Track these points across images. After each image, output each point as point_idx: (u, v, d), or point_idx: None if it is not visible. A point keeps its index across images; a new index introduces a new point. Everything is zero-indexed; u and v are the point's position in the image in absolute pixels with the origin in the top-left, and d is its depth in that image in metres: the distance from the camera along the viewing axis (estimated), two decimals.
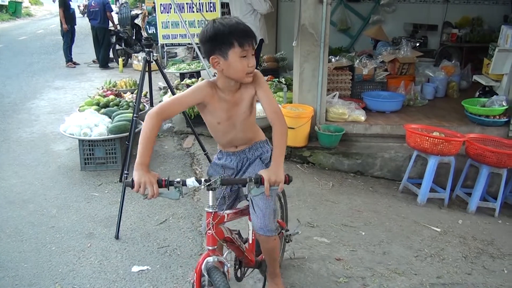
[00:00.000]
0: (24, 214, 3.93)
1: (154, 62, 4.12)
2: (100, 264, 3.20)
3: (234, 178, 2.05)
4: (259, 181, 1.92)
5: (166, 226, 3.72)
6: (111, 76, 10.22)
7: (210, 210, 2.01)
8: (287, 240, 2.89)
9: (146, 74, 4.11)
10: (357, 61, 6.25)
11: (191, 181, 1.88)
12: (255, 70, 2.14)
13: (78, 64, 11.92)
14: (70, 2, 11.75)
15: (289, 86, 6.65)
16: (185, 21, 8.81)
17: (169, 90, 6.39)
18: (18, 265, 3.19)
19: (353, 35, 9.01)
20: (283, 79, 7.12)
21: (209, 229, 2.01)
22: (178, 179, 1.87)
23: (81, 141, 4.81)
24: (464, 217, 4.40)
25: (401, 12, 8.78)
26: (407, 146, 4.89)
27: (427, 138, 4.48)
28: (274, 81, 6.64)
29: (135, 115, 3.88)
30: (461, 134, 4.69)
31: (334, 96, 5.67)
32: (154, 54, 4.03)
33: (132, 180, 1.82)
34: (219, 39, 1.96)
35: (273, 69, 8.10)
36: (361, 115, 5.47)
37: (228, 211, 2.25)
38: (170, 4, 9.62)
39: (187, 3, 9.38)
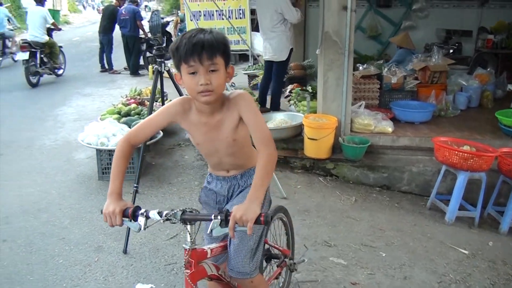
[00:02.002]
0: (37, 224, 3.90)
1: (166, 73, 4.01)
2: (105, 280, 3.11)
3: (197, 214, 1.73)
4: (227, 219, 1.65)
5: (176, 241, 3.60)
6: (141, 83, 10.26)
7: (186, 247, 1.78)
8: (291, 270, 2.66)
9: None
10: (386, 69, 6.01)
11: (153, 214, 1.70)
12: (240, 91, 1.96)
13: (118, 72, 12.06)
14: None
15: (316, 94, 6.48)
16: (215, 28, 8.76)
17: None
18: (24, 278, 3.14)
19: (383, 42, 8.75)
20: (309, 87, 6.96)
21: (186, 269, 1.80)
22: (143, 211, 1.71)
23: (99, 151, 4.78)
24: (495, 239, 4.08)
25: (434, 17, 8.50)
26: (435, 160, 4.63)
27: (456, 152, 4.21)
28: (298, 90, 6.48)
29: None
30: (493, 149, 4.37)
31: (360, 106, 5.45)
32: (167, 65, 3.93)
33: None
34: (174, 53, 1.80)
35: (300, 77, 7.94)
36: (388, 126, 5.23)
37: (212, 245, 2.02)
38: (199, 11, 9.65)
39: (216, 11, 9.36)
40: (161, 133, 5.29)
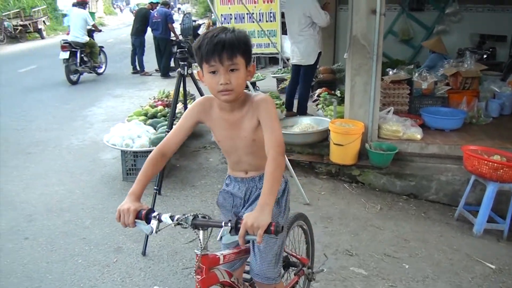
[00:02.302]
0: (59, 223, 3.94)
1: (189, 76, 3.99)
2: (122, 282, 3.11)
3: (209, 220, 1.68)
4: (237, 227, 1.60)
5: (195, 245, 3.56)
6: (170, 85, 10.28)
7: (198, 252, 1.74)
8: (309, 279, 2.60)
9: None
10: (416, 74, 5.86)
11: (165, 217, 1.68)
12: (263, 95, 1.94)
13: (149, 74, 12.24)
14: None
15: (344, 99, 6.38)
16: (245, 31, 8.75)
17: None
18: (43, 276, 3.17)
19: (415, 46, 8.55)
20: (338, 91, 6.87)
21: (197, 274, 1.75)
22: (156, 214, 1.68)
23: (123, 152, 4.81)
24: None
25: (467, 21, 8.25)
26: (465, 169, 4.47)
27: (486, 162, 4.05)
28: (325, 95, 6.39)
29: (167, 129, 3.76)
30: None
31: (389, 111, 5.31)
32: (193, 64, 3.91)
33: None
34: (196, 52, 1.81)
35: (329, 81, 7.85)
36: (417, 133, 5.08)
37: (226, 251, 1.97)
38: (230, 14, 9.65)
39: (247, 14, 9.34)
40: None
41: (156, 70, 12.37)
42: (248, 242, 1.89)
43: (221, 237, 1.63)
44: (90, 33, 11.38)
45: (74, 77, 10.64)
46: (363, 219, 4.18)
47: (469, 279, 3.32)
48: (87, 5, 11.89)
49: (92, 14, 28.57)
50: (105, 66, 12.31)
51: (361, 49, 4.84)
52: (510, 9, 8.10)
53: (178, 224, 1.66)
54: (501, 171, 3.97)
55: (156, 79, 11.63)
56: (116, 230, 3.81)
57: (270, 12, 9.34)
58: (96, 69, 11.65)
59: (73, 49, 10.38)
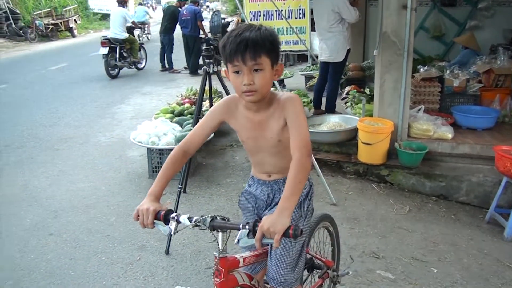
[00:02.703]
0: (84, 219, 3.97)
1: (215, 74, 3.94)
2: (145, 280, 3.09)
3: (226, 221, 1.64)
4: (254, 230, 1.56)
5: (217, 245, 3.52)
6: (198, 83, 10.25)
7: (216, 254, 1.71)
8: (334, 282, 2.52)
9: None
10: (448, 71, 5.68)
11: (183, 219, 1.65)
12: (290, 94, 1.88)
13: (178, 72, 12.32)
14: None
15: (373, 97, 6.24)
16: (274, 28, 8.67)
17: None
18: (66, 273, 3.19)
19: (447, 43, 8.30)
20: (367, 89, 6.74)
21: (216, 277, 1.72)
22: (174, 214, 1.67)
23: (150, 149, 4.81)
24: None
25: (501, 17, 7.89)
26: (497, 170, 4.30)
27: None
28: (354, 93, 6.26)
29: (191, 128, 3.72)
30: None
31: (419, 110, 5.16)
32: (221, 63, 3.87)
33: None
34: (222, 51, 1.76)
35: (358, 79, 7.71)
36: (447, 132, 4.92)
37: (245, 254, 1.92)
38: (259, 11, 9.59)
39: (276, 10, 9.27)
40: (212, 133, 5.26)
41: (185, 68, 12.43)
42: (266, 245, 1.84)
43: (238, 240, 1.59)
44: (130, 30, 12.09)
45: (113, 72, 11.24)
46: (391, 221, 4.07)
47: (499, 285, 3.19)
48: (127, 4, 12.56)
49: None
50: (145, 62, 12.85)
51: (391, 45, 4.71)
52: None
53: (196, 225, 1.63)
54: None
55: (184, 77, 11.68)
56: (140, 228, 3.69)
57: (299, 9, 9.24)
58: (137, 64, 12.24)
59: (113, 45, 10.96)
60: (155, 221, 1.67)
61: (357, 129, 4.97)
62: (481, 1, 7.91)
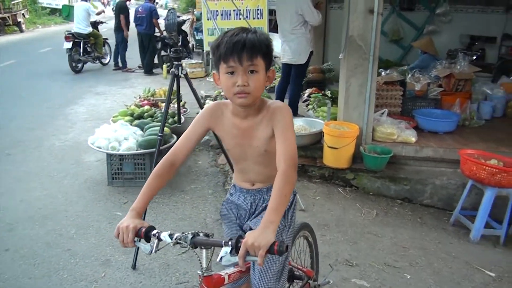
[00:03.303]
0: (42, 233, 3.71)
1: (183, 76, 3.77)
2: None
3: (208, 238, 1.54)
4: (238, 246, 1.46)
5: (188, 256, 3.38)
6: (154, 82, 10.12)
7: (200, 273, 1.60)
8: None
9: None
10: (409, 75, 5.75)
11: (164, 236, 1.56)
12: (281, 103, 1.83)
13: (132, 71, 11.98)
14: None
15: (335, 100, 6.24)
16: (231, 28, 8.56)
17: (208, 100, 6.14)
18: None
19: (405, 47, 8.47)
20: (328, 91, 6.73)
21: None
22: (155, 231, 1.57)
23: (109, 155, 4.58)
24: None
25: (458, 22, 8.16)
26: (460, 173, 4.36)
27: (485, 167, 3.94)
28: (317, 95, 6.23)
29: (159, 133, 3.55)
30: None
31: (383, 113, 5.19)
32: (185, 67, 3.71)
33: None
34: (214, 51, 1.71)
35: (319, 81, 7.71)
36: (411, 136, 4.97)
37: (230, 270, 1.81)
38: (217, 10, 9.43)
39: (234, 10, 9.14)
40: (175, 137, 5.09)
41: (139, 67, 12.10)
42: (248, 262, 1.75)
43: (221, 258, 1.49)
44: (95, 25, 12.14)
45: (77, 67, 11.35)
46: (360, 226, 4.05)
47: None
48: None
49: (72, 7, 28.00)
50: (110, 57, 12.78)
51: (357, 49, 4.70)
52: (500, 11, 8.07)
53: (177, 243, 1.54)
54: (499, 176, 3.88)
55: (139, 76, 11.38)
56: (103, 241, 3.60)
57: (258, 9, 9.15)
58: (101, 59, 12.29)
59: (76, 40, 11.07)
60: (135, 239, 1.57)
61: (323, 132, 4.94)
62: (438, 6, 8.11)
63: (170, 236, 1.55)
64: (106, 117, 7.00)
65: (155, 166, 3.49)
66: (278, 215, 1.55)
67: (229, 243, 1.47)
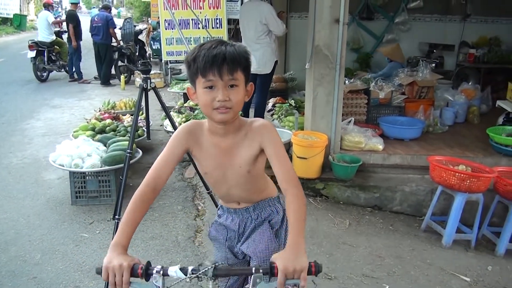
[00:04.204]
0: (5, 260, 3.48)
1: (151, 90, 3.64)
2: None
3: (232, 267, 1.45)
4: (272, 272, 1.37)
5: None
6: (112, 94, 9.87)
7: None
8: None
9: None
10: (373, 83, 5.82)
11: (174, 271, 1.38)
12: (264, 121, 1.75)
13: (88, 82, 11.64)
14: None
15: (299, 109, 6.24)
16: (190, 37, 8.47)
17: (172, 112, 5.99)
18: None
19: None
20: (292, 100, 6.74)
21: None
22: (159, 267, 1.39)
23: (72, 173, 4.38)
24: (493, 262, 3.90)
25: (416, 31, 8.43)
26: (428, 179, 4.43)
27: (454, 173, 4.01)
28: (283, 105, 6.22)
29: (128, 150, 3.40)
30: (490, 168, 4.18)
31: (349, 122, 5.22)
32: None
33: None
34: (190, 65, 1.60)
35: (281, 90, 7.71)
36: (378, 144, 5.02)
37: None
38: (174, 20, 9.31)
39: (192, 19, 9.04)
40: (141, 152, 4.93)
41: (95, 78, 11.77)
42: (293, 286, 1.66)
43: (254, 285, 1.38)
44: (59, 33, 12.22)
45: (43, 76, 11.38)
46: (335, 237, 4.03)
47: None
48: (53, 8, 12.84)
49: (23, 17, 27.00)
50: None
51: (323, 59, 4.70)
52: (458, 19, 8.36)
53: (196, 277, 1.38)
54: (469, 181, 3.95)
55: (95, 87, 11.06)
56: (71, 266, 3.41)
57: (217, 18, 9.10)
58: (67, 67, 11.99)
59: (40, 48, 11.05)
60: (131, 279, 1.38)
61: (291, 143, 4.91)
62: (397, 15, 8.31)
63: (183, 270, 1.38)
64: (64, 131, 6.74)
65: (124, 183, 3.41)
66: (302, 237, 1.49)
67: (260, 269, 1.37)
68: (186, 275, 1.38)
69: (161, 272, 1.38)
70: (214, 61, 1.53)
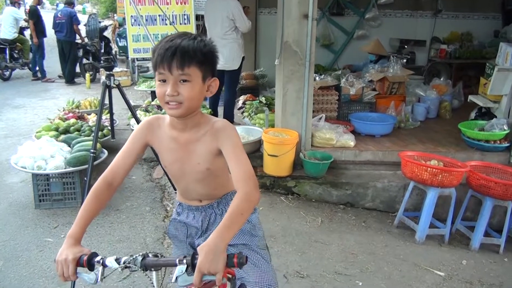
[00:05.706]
0: None
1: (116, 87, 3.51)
2: None
3: (159, 258, 1.44)
4: (194, 264, 1.37)
5: (130, 282, 3.13)
6: (77, 92, 9.60)
7: None
8: None
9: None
10: (344, 79, 5.80)
11: (110, 261, 1.44)
12: (225, 122, 1.71)
13: (52, 81, 11.28)
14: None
15: (270, 106, 6.17)
16: (158, 34, 8.28)
17: (139, 111, 5.84)
18: None
19: (336, 51, 8.61)
20: (263, 98, 6.67)
21: None
22: (99, 258, 1.46)
23: (35, 175, 4.19)
24: (468, 256, 3.95)
25: (387, 27, 8.47)
26: (400, 174, 4.44)
27: (426, 168, 4.01)
28: (254, 102, 6.14)
29: (92, 150, 3.26)
30: (462, 163, 4.22)
31: (320, 119, 5.18)
32: (116, 78, 3.45)
33: None
34: (152, 56, 1.61)
35: (252, 87, 7.63)
36: (350, 140, 5.00)
37: None
38: (141, 16, 9.11)
39: (159, 15, 8.87)
40: (106, 152, 4.77)
41: (60, 76, 11.43)
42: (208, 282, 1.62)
43: (176, 278, 1.38)
44: (21, 30, 11.73)
45: (5, 74, 11.05)
46: (307, 235, 3.98)
47: None
48: (20, 3, 12.39)
49: None
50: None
51: (293, 55, 4.64)
52: (429, 15, 8.46)
53: (126, 267, 1.43)
54: (441, 176, 3.96)
55: (60, 86, 10.73)
56: (35, 272, 3.24)
57: (184, 14, 8.94)
58: (29, 65, 11.65)
59: (2, 46, 10.77)
60: (78, 270, 1.45)
61: (262, 140, 4.84)
62: (367, 11, 8.33)
63: (117, 260, 1.44)
64: (27, 132, 6.48)
65: (88, 184, 3.28)
66: (230, 233, 1.44)
67: (184, 261, 1.38)
68: (119, 265, 1.43)
69: (101, 262, 1.44)
70: (165, 55, 1.53)
